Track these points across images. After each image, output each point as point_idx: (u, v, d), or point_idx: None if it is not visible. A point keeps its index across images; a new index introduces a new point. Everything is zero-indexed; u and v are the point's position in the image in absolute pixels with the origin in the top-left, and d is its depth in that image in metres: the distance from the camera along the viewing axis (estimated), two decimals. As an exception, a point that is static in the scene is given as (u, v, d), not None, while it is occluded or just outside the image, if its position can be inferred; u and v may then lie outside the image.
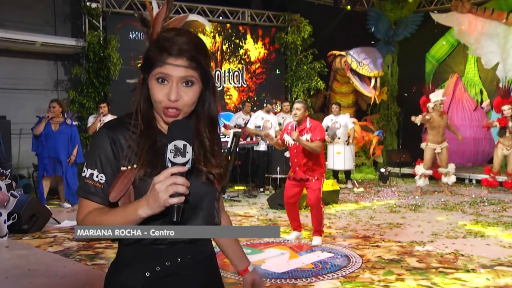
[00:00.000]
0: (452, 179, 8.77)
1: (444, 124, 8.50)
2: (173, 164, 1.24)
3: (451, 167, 8.72)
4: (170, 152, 1.25)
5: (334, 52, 11.61)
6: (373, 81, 11.03)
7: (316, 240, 5.41)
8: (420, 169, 8.75)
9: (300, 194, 5.60)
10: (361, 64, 10.91)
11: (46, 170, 7.39)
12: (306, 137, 5.27)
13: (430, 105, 8.49)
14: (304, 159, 5.31)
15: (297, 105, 5.41)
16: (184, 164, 1.25)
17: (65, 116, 7.61)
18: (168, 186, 1.21)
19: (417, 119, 8.47)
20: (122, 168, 1.37)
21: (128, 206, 1.30)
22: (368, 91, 11.19)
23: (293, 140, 5.30)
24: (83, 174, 1.39)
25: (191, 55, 1.35)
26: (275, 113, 9.74)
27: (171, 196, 1.21)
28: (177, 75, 1.35)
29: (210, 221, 1.46)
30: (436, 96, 8.48)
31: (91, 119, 8.30)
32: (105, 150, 1.38)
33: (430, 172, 8.75)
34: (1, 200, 5.58)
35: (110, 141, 1.38)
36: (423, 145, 8.80)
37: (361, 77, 11.18)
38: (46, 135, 7.36)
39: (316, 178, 5.33)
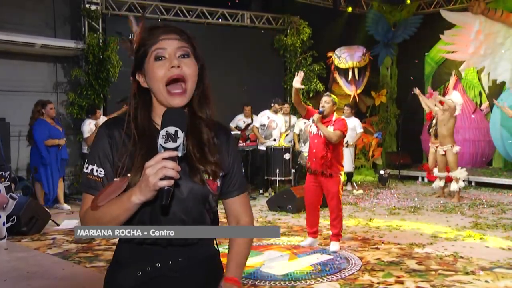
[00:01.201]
0: (454, 186, 8.30)
1: (447, 124, 8.12)
2: (165, 149, 1.28)
3: (459, 173, 8.23)
4: (162, 137, 1.29)
5: (331, 53, 11.61)
6: (350, 73, 11.10)
7: (335, 246, 5.28)
8: (436, 172, 8.65)
9: (321, 196, 5.43)
10: (340, 59, 11.17)
11: (59, 171, 7.56)
12: (329, 128, 5.16)
13: (448, 101, 8.17)
14: (323, 151, 5.16)
15: (326, 98, 5.31)
16: (175, 149, 1.28)
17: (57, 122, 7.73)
18: (158, 170, 1.24)
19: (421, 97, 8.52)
20: (115, 179, 1.40)
21: (123, 195, 1.34)
22: (350, 89, 11.29)
23: (313, 120, 5.16)
24: (85, 170, 1.45)
25: (180, 30, 1.45)
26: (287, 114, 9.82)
27: (161, 179, 1.24)
28: (173, 47, 1.42)
29: (198, 222, 1.45)
30: (455, 98, 8.24)
31: (86, 127, 8.03)
32: (103, 146, 1.44)
33: (444, 174, 8.55)
34: (0, 202, 5.57)
35: (107, 137, 1.45)
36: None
37: (346, 76, 11.29)
38: (57, 137, 7.49)
39: (330, 174, 5.18)
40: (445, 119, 8.15)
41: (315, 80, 11.40)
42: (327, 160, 5.16)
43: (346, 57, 11.09)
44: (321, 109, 5.22)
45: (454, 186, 8.30)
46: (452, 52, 11.44)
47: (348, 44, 11.47)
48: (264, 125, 9.05)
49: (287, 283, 4.25)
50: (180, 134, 1.29)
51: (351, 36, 11.98)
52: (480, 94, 11.69)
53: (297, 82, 5.02)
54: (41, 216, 6.17)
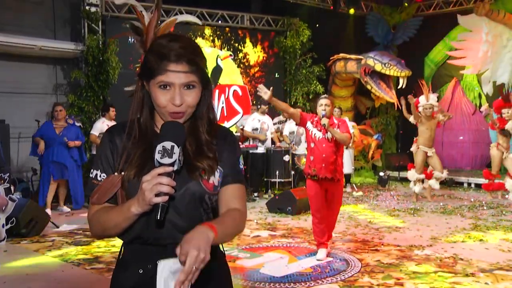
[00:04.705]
0: (436, 185, 8.53)
1: (435, 128, 8.28)
2: (160, 164, 1.30)
3: (445, 173, 8.55)
4: (158, 152, 1.31)
5: (344, 55, 11.34)
6: (401, 81, 10.58)
7: (322, 253, 5.05)
8: (414, 174, 8.56)
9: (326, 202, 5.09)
10: (388, 65, 10.55)
11: (52, 174, 7.38)
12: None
13: (420, 108, 8.28)
14: (334, 156, 4.89)
15: (325, 101, 4.98)
16: (171, 165, 1.30)
17: (67, 120, 7.61)
18: (153, 186, 1.28)
19: (411, 118, 8.43)
20: (112, 175, 1.46)
21: (124, 204, 1.40)
22: (389, 97, 10.89)
23: (323, 125, 4.81)
24: (90, 175, 1.51)
25: (189, 59, 1.41)
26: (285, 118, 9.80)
27: (156, 195, 1.28)
28: (179, 82, 1.41)
29: (195, 221, 1.44)
30: (430, 99, 8.27)
31: (97, 126, 7.92)
32: (105, 152, 1.49)
33: (423, 176, 8.61)
34: (0, 204, 5.57)
35: (109, 143, 1.50)
36: (413, 148, 8.53)
37: (377, 83, 10.89)
38: (49, 140, 7.37)
39: (338, 179, 4.97)
40: (430, 124, 8.23)
41: (314, 82, 11.41)
42: (337, 165, 4.96)
43: (396, 65, 10.51)
44: (323, 112, 4.92)
45: (436, 185, 8.50)
46: (461, 58, 11.31)
47: (347, 46, 11.45)
48: (257, 129, 9.03)
49: (286, 285, 4.25)
50: (176, 150, 1.31)
51: (350, 38, 11.98)
52: (480, 96, 11.70)
53: (265, 94, 4.73)
54: (40, 218, 6.16)
